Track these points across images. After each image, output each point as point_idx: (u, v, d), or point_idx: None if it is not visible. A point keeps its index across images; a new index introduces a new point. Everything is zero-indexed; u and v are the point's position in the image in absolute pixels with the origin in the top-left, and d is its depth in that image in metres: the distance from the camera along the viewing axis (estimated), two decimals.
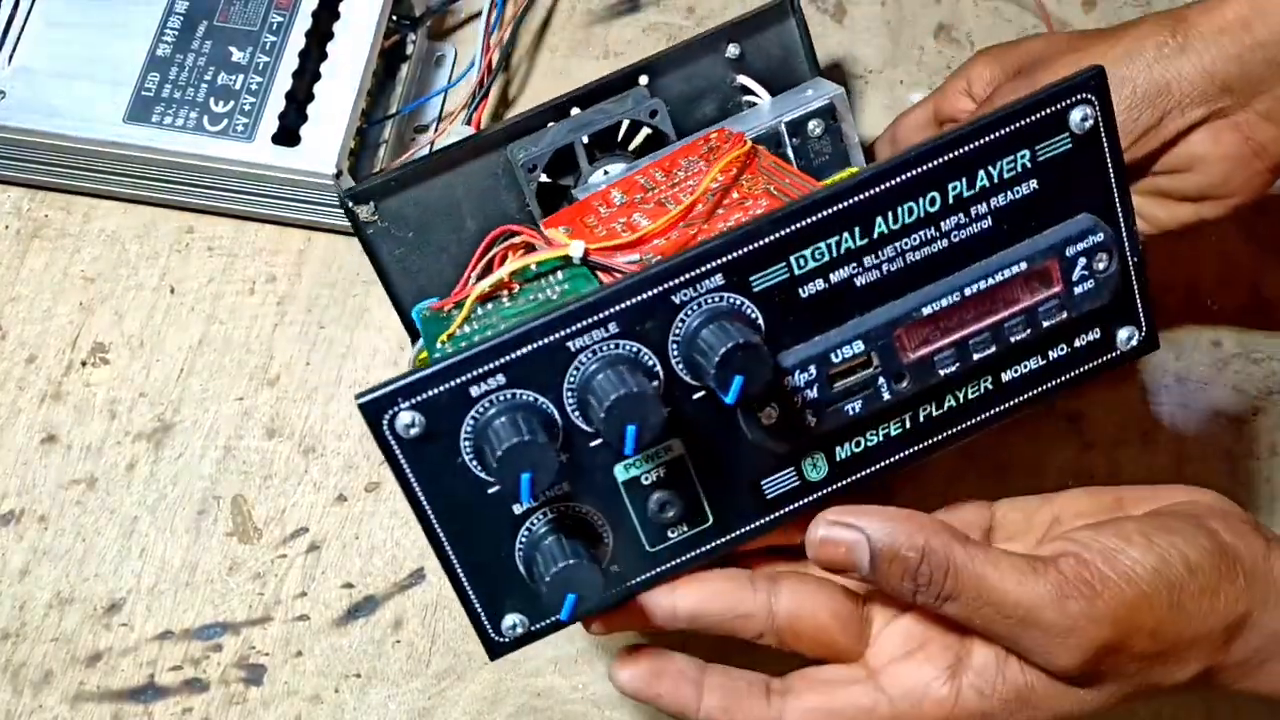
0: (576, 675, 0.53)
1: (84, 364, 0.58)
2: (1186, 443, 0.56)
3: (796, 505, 0.42)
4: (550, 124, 0.50)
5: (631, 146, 0.51)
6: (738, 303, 0.39)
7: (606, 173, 0.50)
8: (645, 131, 0.51)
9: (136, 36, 0.59)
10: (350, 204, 0.49)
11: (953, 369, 0.41)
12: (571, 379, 0.38)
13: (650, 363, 0.39)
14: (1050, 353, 0.43)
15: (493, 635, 0.41)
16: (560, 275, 0.43)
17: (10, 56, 0.59)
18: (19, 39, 0.59)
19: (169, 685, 0.53)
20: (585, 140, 0.50)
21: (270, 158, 0.56)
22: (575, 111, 0.51)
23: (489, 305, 0.43)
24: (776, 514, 0.42)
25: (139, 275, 0.60)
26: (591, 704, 0.53)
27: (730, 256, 0.39)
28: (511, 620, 0.41)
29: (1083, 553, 0.40)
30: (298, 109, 0.57)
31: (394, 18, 0.61)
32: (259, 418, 0.57)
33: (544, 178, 0.50)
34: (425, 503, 0.39)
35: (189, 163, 0.57)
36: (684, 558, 0.42)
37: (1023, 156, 0.40)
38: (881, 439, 0.42)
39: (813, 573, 0.43)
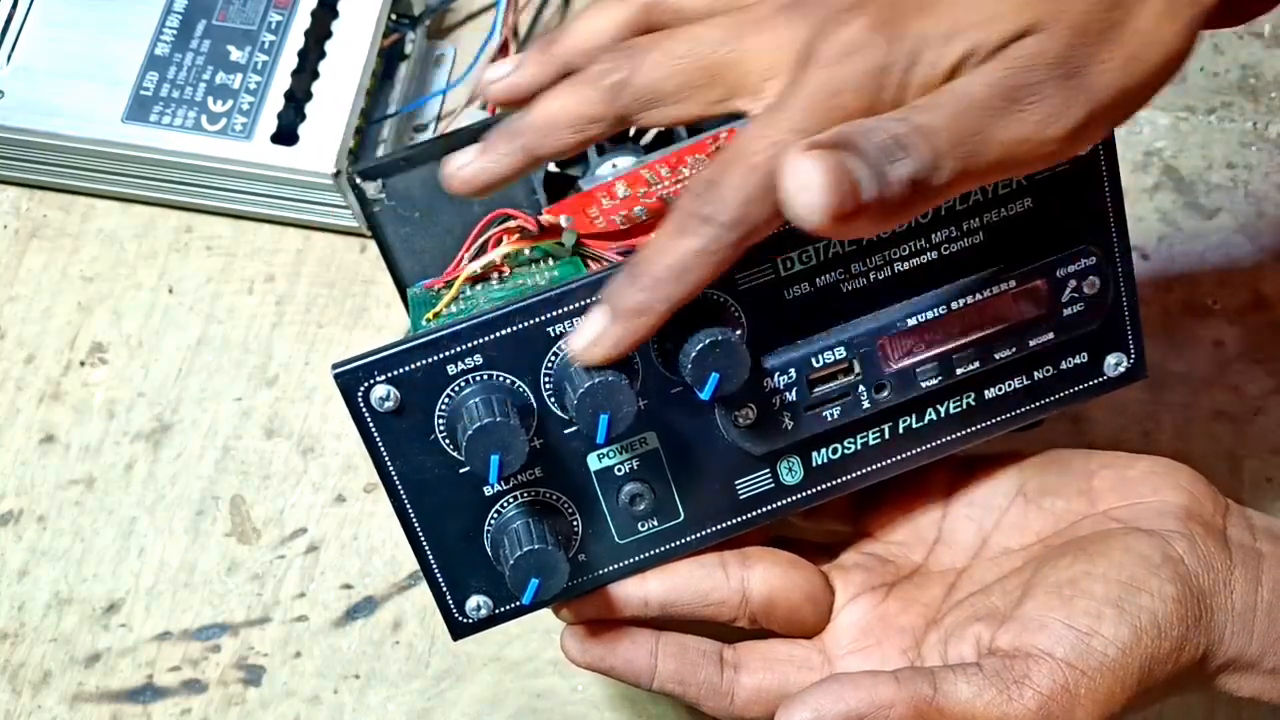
0: (576, 676, 0.53)
1: (82, 364, 0.58)
2: (1188, 442, 0.56)
3: (770, 507, 0.42)
4: None
5: (643, 141, 0.51)
6: (720, 299, 0.39)
7: (615, 166, 0.50)
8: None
9: (135, 36, 0.59)
10: (358, 180, 0.49)
11: (935, 382, 0.41)
12: (550, 364, 0.38)
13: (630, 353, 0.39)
14: (1035, 373, 0.43)
15: (457, 616, 0.41)
16: (552, 262, 0.43)
17: (9, 56, 0.59)
18: (18, 38, 0.59)
19: (168, 686, 0.53)
20: None
21: (269, 157, 0.56)
22: None
23: (478, 287, 0.43)
24: (749, 515, 0.42)
25: (137, 275, 0.60)
26: (591, 706, 0.53)
27: None
28: (476, 601, 0.41)
29: (1055, 650, 0.39)
30: (296, 108, 0.57)
31: (393, 17, 0.61)
32: (257, 418, 0.57)
33: (552, 167, 0.50)
34: (395, 478, 0.39)
35: (187, 162, 0.57)
36: (652, 552, 0.42)
37: None
38: (859, 447, 0.42)
39: (783, 551, 0.43)
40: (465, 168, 0.38)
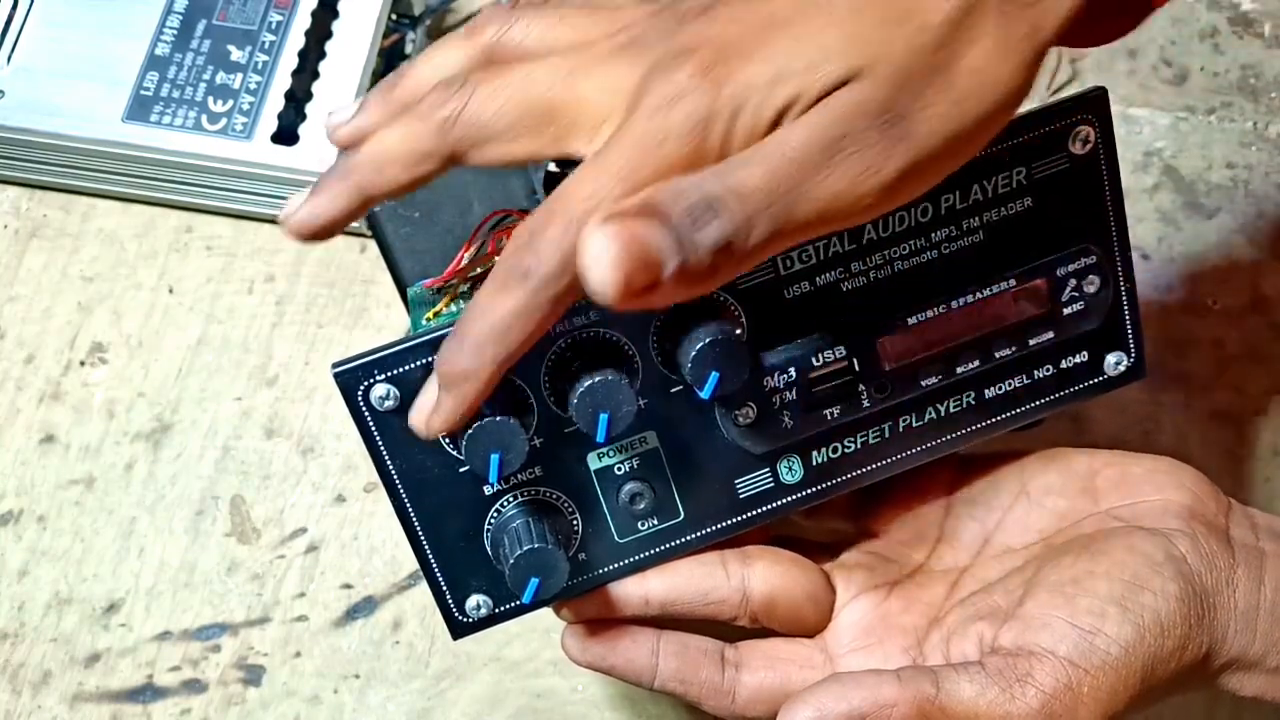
0: (576, 676, 0.53)
1: (82, 364, 0.58)
2: (1188, 442, 0.56)
3: (770, 507, 0.42)
4: None
5: None
6: (721, 299, 0.39)
7: None
8: None
9: (135, 36, 0.59)
10: None
11: (934, 381, 0.41)
12: (549, 363, 0.38)
13: (629, 352, 0.39)
14: (1036, 372, 0.43)
15: (456, 615, 0.41)
16: None
17: (9, 56, 0.59)
18: (18, 38, 0.59)
19: (168, 686, 0.53)
20: None
21: (269, 157, 0.56)
22: None
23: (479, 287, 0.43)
24: (749, 514, 0.42)
25: (137, 275, 0.60)
26: (591, 706, 0.53)
27: None
28: (476, 601, 0.41)
29: (1058, 648, 0.39)
30: (297, 108, 0.57)
31: (393, 16, 0.61)
32: (257, 418, 0.57)
33: (552, 167, 0.50)
34: (396, 477, 0.39)
35: (188, 162, 0.57)
36: (652, 551, 0.42)
37: (1019, 173, 0.40)
38: (859, 446, 0.42)
39: (784, 550, 0.43)
40: (296, 213, 0.36)
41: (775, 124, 0.32)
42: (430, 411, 0.35)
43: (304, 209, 0.36)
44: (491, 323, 0.33)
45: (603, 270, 0.30)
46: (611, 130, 0.33)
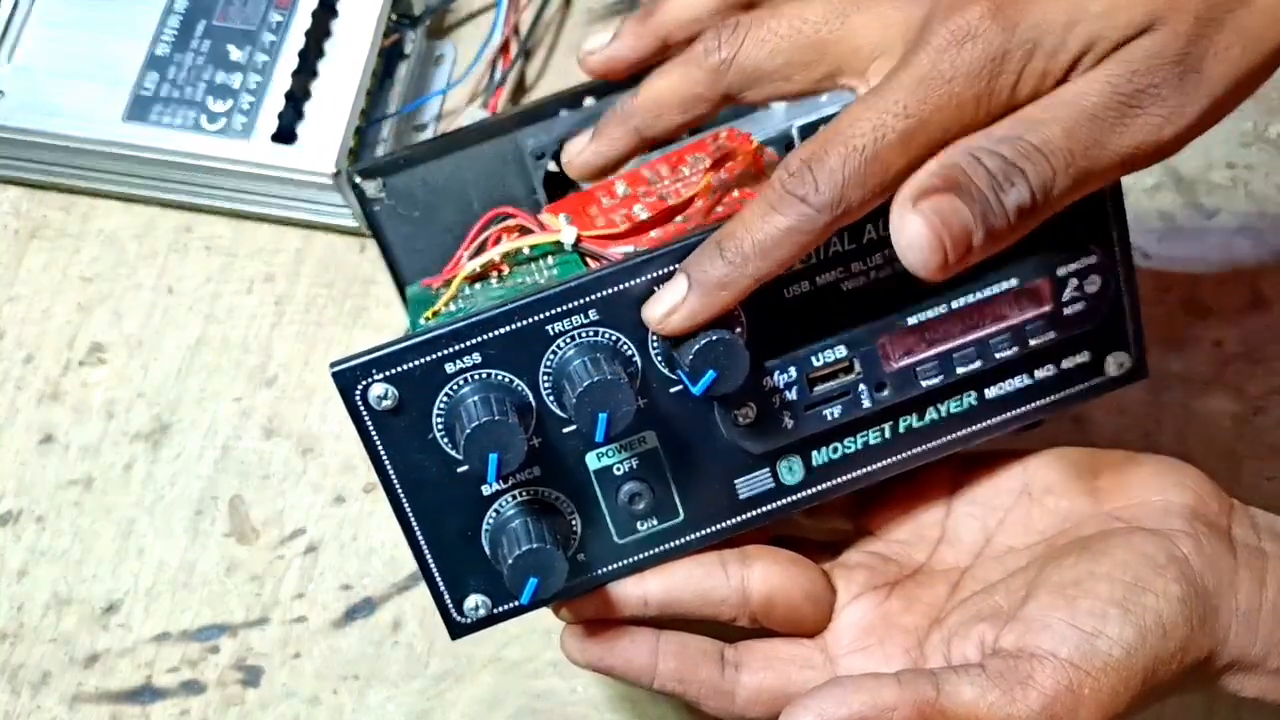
0: (576, 678, 0.53)
1: (82, 364, 0.58)
2: (1188, 443, 0.56)
3: (770, 507, 0.42)
4: (562, 113, 0.50)
5: None
6: None
7: None
8: None
9: (135, 36, 0.59)
10: (358, 179, 0.49)
11: (936, 381, 0.41)
12: (548, 363, 0.38)
13: (629, 352, 0.39)
14: (1037, 372, 0.43)
15: (455, 615, 0.41)
16: (551, 261, 0.43)
17: (9, 56, 0.59)
18: (18, 38, 0.59)
19: (166, 687, 0.53)
20: None
21: (269, 157, 0.56)
22: (589, 102, 0.51)
23: (478, 285, 0.43)
24: (749, 514, 0.42)
25: (137, 275, 0.59)
26: (591, 706, 0.53)
27: None
28: (474, 601, 0.41)
29: (1059, 650, 0.38)
30: (296, 108, 0.57)
31: (393, 17, 0.61)
32: (257, 418, 0.57)
33: (552, 166, 0.50)
34: (394, 477, 0.39)
35: (187, 162, 0.57)
36: (651, 552, 0.42)
37: None
38: (860, 446, 0.42)
39: (784, 550, 0.43)
40: (581, 154, 0.39)
41: (1068, 70, 0.32)
42: (670, 309, 0.36)
43: (588, 151, 0.39)
44: (759, 239, 0.34)
45: (921, 252, 0.31)
46: (886, 67, 0.34)
